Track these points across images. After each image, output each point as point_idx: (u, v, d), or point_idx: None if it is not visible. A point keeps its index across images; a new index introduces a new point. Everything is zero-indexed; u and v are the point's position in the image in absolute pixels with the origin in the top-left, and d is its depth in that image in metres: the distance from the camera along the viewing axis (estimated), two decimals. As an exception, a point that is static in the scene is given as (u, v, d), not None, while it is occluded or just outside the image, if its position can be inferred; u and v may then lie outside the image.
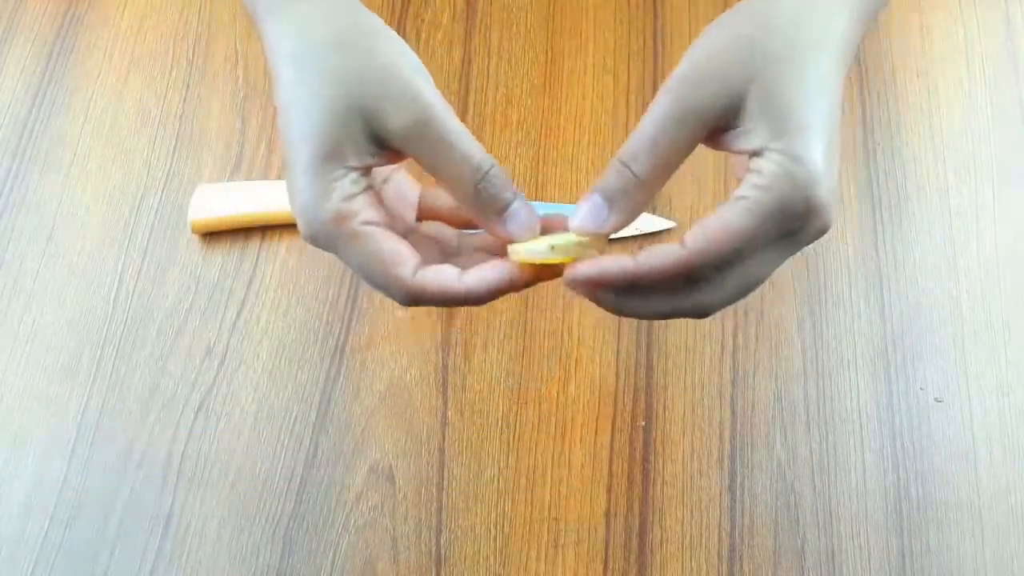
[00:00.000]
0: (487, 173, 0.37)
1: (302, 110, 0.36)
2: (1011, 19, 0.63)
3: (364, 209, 0.37)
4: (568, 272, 0.35)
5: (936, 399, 0.53)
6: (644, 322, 0.55)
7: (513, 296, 0.55)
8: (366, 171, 0.37)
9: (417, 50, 0.65)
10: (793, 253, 0.35)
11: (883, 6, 0.40)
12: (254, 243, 0.57)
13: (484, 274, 0.37)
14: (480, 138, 0.59)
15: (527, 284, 0.37)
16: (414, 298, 0.37)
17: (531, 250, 0.36)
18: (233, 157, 0.59)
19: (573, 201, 0.58)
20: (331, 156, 0.36)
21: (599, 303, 0.36)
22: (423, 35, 0.63)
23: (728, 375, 0.54)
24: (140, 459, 0.52)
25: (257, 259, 0.56)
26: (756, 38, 0.35)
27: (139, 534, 0.50)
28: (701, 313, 0.37)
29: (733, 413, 0.53)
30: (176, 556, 0.50)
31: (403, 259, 0.37)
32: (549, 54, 0.62)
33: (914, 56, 0.62)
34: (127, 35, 0.63)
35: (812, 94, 0.34)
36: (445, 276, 0.37)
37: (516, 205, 0.37)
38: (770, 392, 0.53)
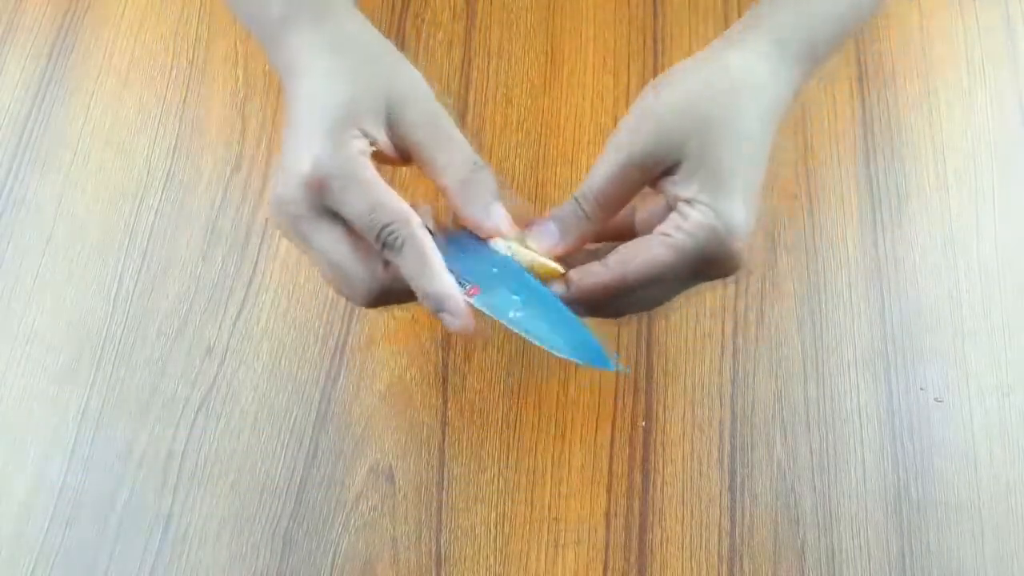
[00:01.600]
0: (482, 167, 0.41)
1: (330, 87, 0.40)
2: (1011, 19, 0.63)
3: (372, 167, 0.39)
4: None
5: (936, 399, 0.53)
6: (644, 323, 0.55)
7: (513, 296, 0.55)
8: (372, 147, 0.40)
9: (417, 50, 0.66)
10: (696, 285, 0.42)
11: (836, 52, 0.44)
12: (254, 243, 0.57)
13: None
14: (480, 138, 0.60)
15: None
16: (407, 247, 0.39)
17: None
18: (233, 157, 0.59)
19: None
20: (351, 119, 0.39)
21: None
22: (423, 35, 0.63)
23: (728, 375, 0.54)
24: (140, 459, 0.52)
25: (257, 259, 0.56)
26: (697, 103, 0.39)
27: (139, 534, 0.50)
28: (612, 316, 0.44)
29: (733, 413, 0.53)
30: (176, 556, 0.50)
31: (411, 211, 0.39)
32: (549, 54, 0.62)
33: (914, 56, 0.62)
34: (127, 35, 0.63)
35: (739, 159, 0.39)
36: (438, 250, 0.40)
37: (497, 208, 0.42)
38: (770, 392, 0.53)
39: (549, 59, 0.62)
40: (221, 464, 0.52)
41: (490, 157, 0.59)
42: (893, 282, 0.56)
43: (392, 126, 0.40)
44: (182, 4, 0.64)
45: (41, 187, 0.59)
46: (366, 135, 0.40)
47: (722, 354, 0.54)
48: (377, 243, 0.39)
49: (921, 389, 0.53)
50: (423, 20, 0.63)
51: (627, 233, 0.45)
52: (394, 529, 0.50)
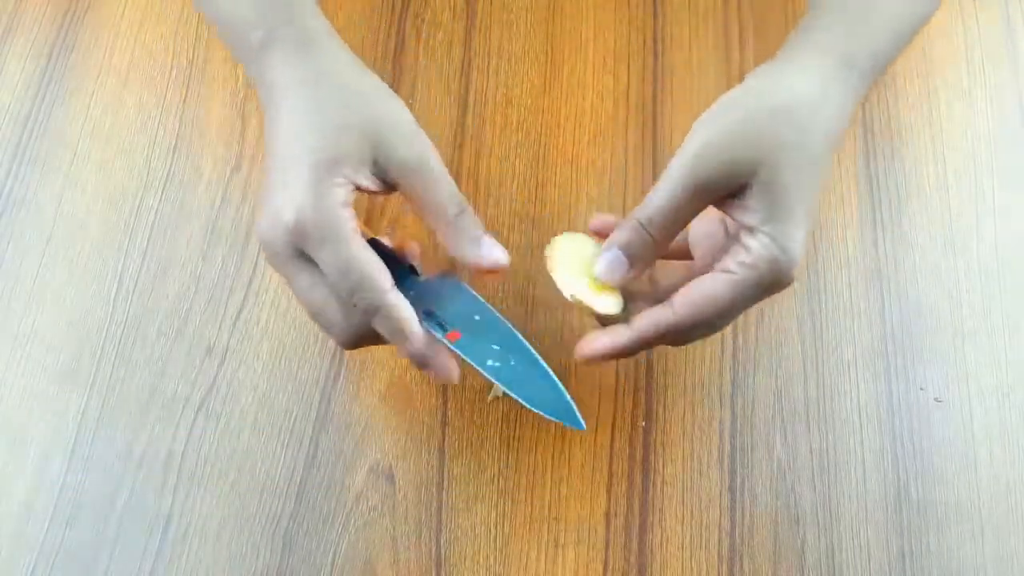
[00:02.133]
0: (465, 208, 0.42)
1: (315, 123, 0.40)
2: (1011, 19, 0.63)
3: (353, 219, 0.40)
4: (579, 352, 0.43)
5: (936, 399, 0.53)
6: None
7: (513, 297, 0.55)
8: (354, 190, 0.41)
9: (417, 50, 0.66)
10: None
11: (887, 64, 0.43)
12: (254, 243, 0.57)
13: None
14: (480, 138, 0.60)
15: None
16: (382, 313, 0.40)
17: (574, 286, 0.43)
18: (233, 157, 0.59)
19: (572, 199, 0.58)
20: (334, 163, 0.39)
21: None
22: (423, 35, 0.63)
23: (728, 375, 0.54)
24: (140, 459, 0.52)
25: (257, 259, 0.56)
26: (764, 125, 0.39)
27: (139, 534, 0.50)
28: (675, 345, 0.45)
29: (733, 413, 0.53)
30: (176, 556, 0.50)
31: (385, 274, 0.40)
32: (549, 54, 0.62)
33: (914, 56, 0.62)
34: (127, 35, 0.63)
35: (805, 184, 0.39)
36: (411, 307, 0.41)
37: (487, 238, 0.42)
38: (770, 392, 0.53)
39: (549, 59, 0.62)
40: (221, 464, 0.52)
41: (490, 157, 0.59)
42: (893, 282, 0.56)
43: (378, 164, 0.41)
44: (182, 4, 0.64)
45: (41, 187, 0.59)
46: (349, 179, 0.40)
47: (722, 354, 0.54)
48: (350, 303, 0.40)
49: (921, 389, 0.53)
50: (423, 20, 0.63)
51: (680, 251, 0.46)
52: (394, 529, 0.50)
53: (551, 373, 0.43)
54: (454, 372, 0.43)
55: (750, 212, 0.39)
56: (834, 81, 0.40)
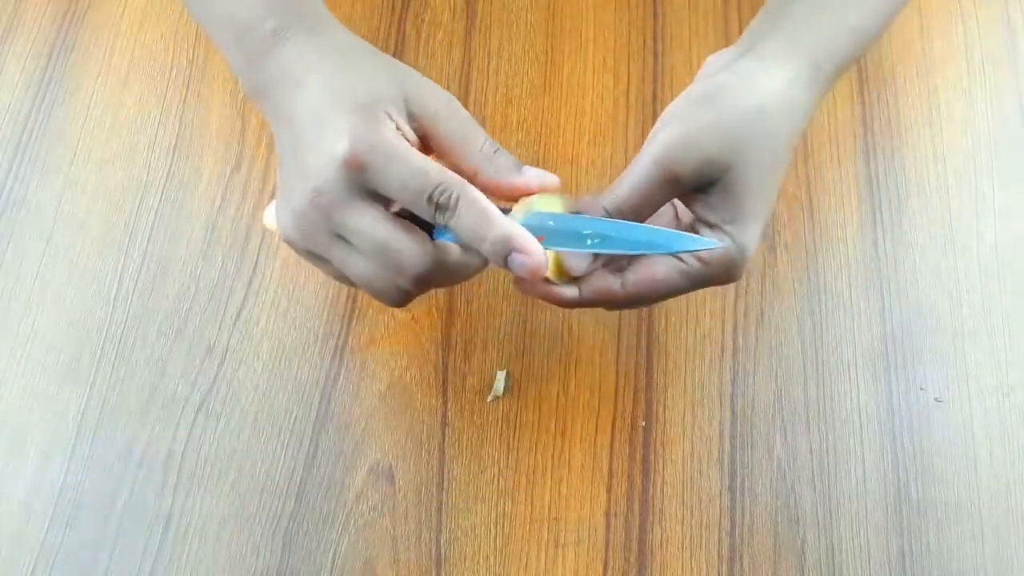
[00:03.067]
0: (500, 147, 0.42)
1: (347, 77, 0.40)
2: (1011, 19, 0.63)
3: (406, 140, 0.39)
4: (522, 287, 0.44)
5: (936, 399, 0.53)
6: (644, 323, 0.55)
7: (512, 296, 0.55)
8: (398, 131, 0.40)
9: (417, 50, 0.66)
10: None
11: (848, 67, 0.44)
12: (254, 243, 0.57)
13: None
14: (480, 138, 0.59)
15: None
16: (466, 211, 0.38)
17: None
18: (233, 157, 0.59)
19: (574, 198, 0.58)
20: (375, 101, 0.39)
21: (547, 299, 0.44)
22: (423, 35, 0.63)
23: (728, 375, 0.54)
24: (140, 459, 0.52)
25: (257, 259, 0.56)
26: (738, 126, 0.39)
27: (139, 534, 0.50)
28: (609, 310, 0.47)
29: (733, 413, 0.53)
30: (176, 556, 0.50)
31: (456, 175, 0.39)
32: (549, 54, 0.62)
33: (914, 56, 0.62)
34: (127, 35, 0.63)
35: (768, 185, 0.40)
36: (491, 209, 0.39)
37: (528, 167, 0.42)
38: (770, 392, 0.53)
39: (549, 59, 0.62)
40: (221, 464, 0.52)
41: (490, 157, 0.59)
42: (893, 282, 0.56)
43: (411, 115, 0.40)
44: (182, 4, 0.64)
45: (41, 187, 0.59)
46: (392, 117, 0.39)
47: (722, 354, 0.54)
48: (430, 207, 0.38)
49: (921, 389, 0.53)
50: (423, 20, 0.63)
51: None
52: (394, 529, 0.50)
53: (651, 228, 0.41)
54: (544, 260, 0.40)
55: (713, 209, 0.40)
56: (802, 85, 0.41)
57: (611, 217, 0.41)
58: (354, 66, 0.41)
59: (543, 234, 0.41)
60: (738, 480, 0.51)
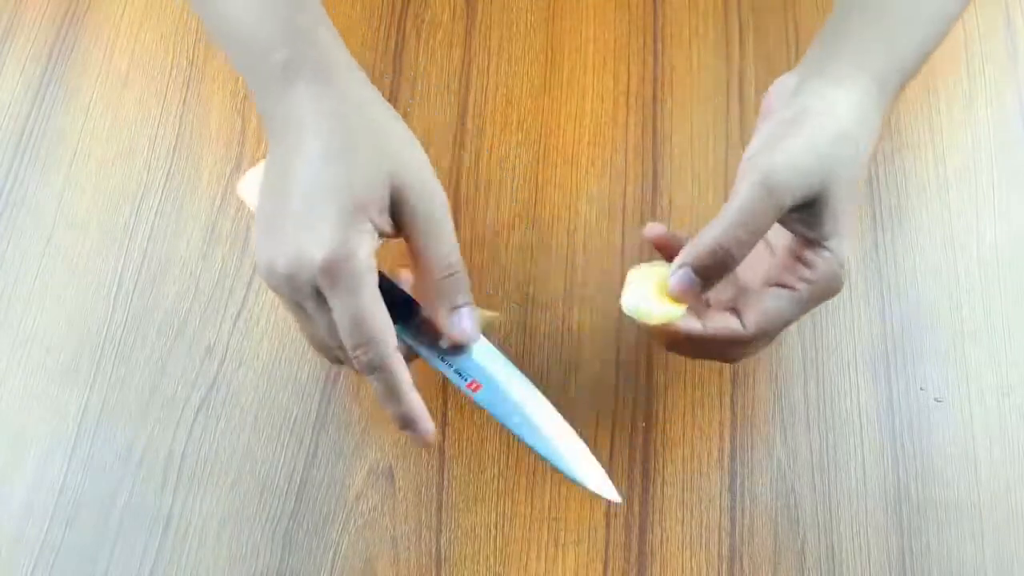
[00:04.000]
0: (458, 272, 0.43)
1: (345, 163, 0.40)
2: (1011, 19, 0.63)
3: (375, 271, 0.40)
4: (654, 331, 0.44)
5: (936, 399, 0.53)
6: (643, 323, 0.54)
7: (512, 296, 0.55)
8: (378, 238, 0.41)
9: (417, 50, 0.66)
10: None
11: (911, 79, 0.46)
12: (254, 243, 0.57)
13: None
14: (480, 138, 0.60)
15: None
16: (383, 372, 0.40)
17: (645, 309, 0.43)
18: (233, 157, 0.59)
19: (572, 199, 0.58)
20: (363, 207, 0.39)
21: (669, 343, 0.45)
22: (423, 35, 0.63)
23: (728, 375, 0.54)
24: (140, 459, 0.52)
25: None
26: (829, 149, 0.41)
27: (139, 534, 0.50)
28: (729, 361, 0.50)
29: (733, 413, 0.53)
30: (176, 556, 0.50)
31: (392, 334, 0.40)
32: (549, 54, 0.62)
33: (914, 56, 0.62)
34: (127, 35, 0.63)
35: (854, 199, 0.42)
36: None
37: (467, 309, 0.43)
38: (770, 392, 0.53)
39: (549, 59, 0.62)
40: (221, 464, 0.52)
41: (490, 157, 0.59)
42: (893, 282, 0.56)
43: (395, 207, 0.41)
44: (182, 4, 0.64)
45: (41, 187, 0.59)
46: (375, 225, 0.40)
47: (722, 354, 0.54)
48: (352, 355, 0.40)
49: (921, 389, 0.53)
50: (423, 20, 0.63)
51: None
52: (394, 529, 0.50)
53: (578, 438, 0.44)
54: (432, 438, 0.42)
55: (813, 228, 0.42)
56: (872, 104, 0.43)
57: (719, 248, 0.40)
58: (352, 144, 0.40)
59: (483, 382, 0.43)
60: (738, 480, 0.51)
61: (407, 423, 0.41)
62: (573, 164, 0.59)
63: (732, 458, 0.52)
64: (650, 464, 0.52)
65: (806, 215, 0.41)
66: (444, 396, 0.53)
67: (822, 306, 0.55)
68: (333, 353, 0.43)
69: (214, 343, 0.54)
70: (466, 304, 0.43)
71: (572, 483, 0.43)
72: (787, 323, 0.43)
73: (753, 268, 0.45)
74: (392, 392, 0.41)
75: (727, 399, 0.53)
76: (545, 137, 0.60)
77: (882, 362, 0.54)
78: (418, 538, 0.50)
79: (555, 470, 0.43)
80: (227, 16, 0.43)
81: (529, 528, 0.50)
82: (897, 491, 0.51)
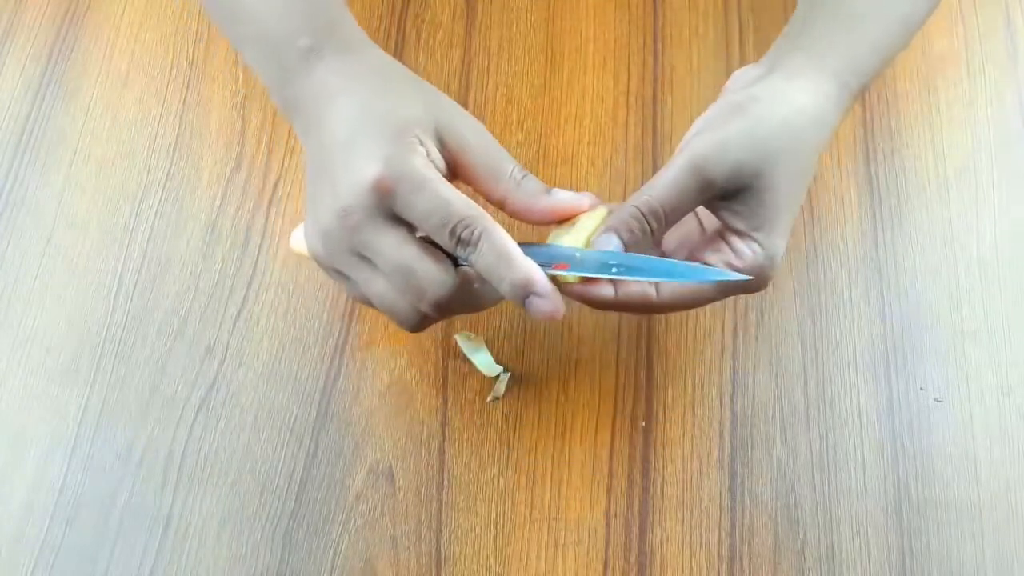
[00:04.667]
0: (528, 173, 0.42)
1: (381, 100, 0.40)
2: (1011, 19, 0.63)
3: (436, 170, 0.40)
4: (570, 290, 0.43)
5: (936, 399, 0.53)
6: (644, 323, 0.55)
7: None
8: (427, 157, 0.40)
9: (417, 50, 0.66)
10: None
11: (873, 81, 0.45)
12: (254, 243, 0.57)
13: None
14: (480, 138, 0.59)
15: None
16: (488, 248, 0.39)
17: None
18: (233, 157, 0.59)
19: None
20: (406, 125, 0.39)
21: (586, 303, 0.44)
22: (423, 35, 0.63)
23: (728, 375, 0.54)
24: (140, 459, 0.52)
25: (257, 259, 0.56)
26: (770, 134, 0.40)
27: (139, 534, 0.50)
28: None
29: (733, 413, 0.53)
30: (176, 556, 0.50)
31: (482, 209, 0.39)
32: (549, 54, 0.62)
33: (914, 56, 0.62)
34: (127, 35, 0.63)
35: (795, 194, 0.42)
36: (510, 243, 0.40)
37: (558, 189, 0.43)
38: (770, 392, 0.53)
39: (549, 59, 0.62)
40: (221, 464, 0.52)
41: (490, 157, 0.59)
42: (893, 282, 0.56)
43: (442, 143, 0.40)
44: (182, 4, 0.64)
45: (41, 187, 0.59)
46: (422, 142, 0.39)
47: (722, 354, 0.54)
48: (451, 240, 0.38)
49: (921, 389, 0.53)
50: (423, 20, 0.63)
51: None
52: (394, 529, 0.50)
53: (673, 261, 0.42)
54: (561, 304, 0.40)
55: (742, 217, 0.41)
56: (830, 102, 0.42)
57: (652, 226, 0.41)
58: (388, 88, 0.41)
59: (569, 262, 0.41)
60: (738, 480, 0.51)
61: (526, 288, 0.39)
62: (573, 164, 0.59)
63: (732, 458, 0.52)
64: (650, 464, 0.52)
65: (738, 204, 0.41)
66: (444, 396, 0.53)
67: (822, 306, 0.55)
68: (419, 287, 0.39)
69: (214, 343, 0.54)
70: (553, 189, 0.42)
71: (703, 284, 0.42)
72: (701, 304, 0.43)
73: (679, 239, 0.45)
74: (502, 256, 0.38)
75: (727, 399, 0.53)
76: (545, 137, 0.60)
77: (882, 362, 0.54)
78: (418, 538, 0.50)
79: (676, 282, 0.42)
80: (244, 5, 0.43)
81: (529, 528, 0.50)
82: (897, 491, 0.51)
